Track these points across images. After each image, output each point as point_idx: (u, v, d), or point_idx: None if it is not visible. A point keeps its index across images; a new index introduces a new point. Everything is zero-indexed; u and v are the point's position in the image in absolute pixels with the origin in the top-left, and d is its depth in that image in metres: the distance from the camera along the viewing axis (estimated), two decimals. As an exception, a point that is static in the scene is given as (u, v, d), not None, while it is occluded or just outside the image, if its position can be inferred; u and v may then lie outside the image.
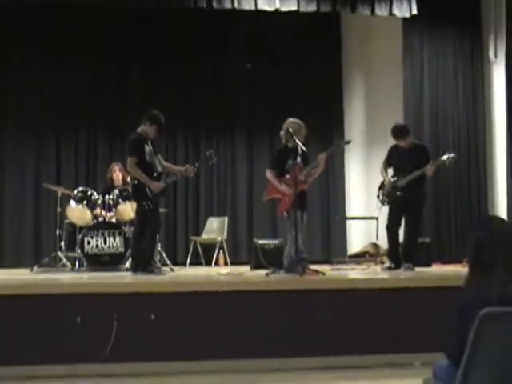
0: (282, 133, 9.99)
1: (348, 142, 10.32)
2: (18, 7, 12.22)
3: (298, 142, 9.75)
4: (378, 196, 10.74)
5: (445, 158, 10.37)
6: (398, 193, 10.28)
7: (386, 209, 12.44)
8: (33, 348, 8.02)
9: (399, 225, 10.62)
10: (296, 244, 9.59)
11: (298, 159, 9.84)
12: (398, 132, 10.56)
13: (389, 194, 10.47)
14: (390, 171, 10.65)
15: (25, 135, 13.66)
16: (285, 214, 9.92)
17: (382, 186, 10.70)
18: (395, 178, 10.45)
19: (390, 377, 7.79)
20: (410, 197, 10.36)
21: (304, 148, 9.87)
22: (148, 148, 9.92)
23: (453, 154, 10.52)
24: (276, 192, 9.99)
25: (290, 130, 9.82)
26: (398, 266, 10.39)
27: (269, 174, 10.04)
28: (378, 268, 11.62)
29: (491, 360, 4.13)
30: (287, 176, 9.76)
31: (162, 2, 12.19)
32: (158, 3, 12.21)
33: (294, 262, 9.60)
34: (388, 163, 10.71)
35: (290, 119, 10.05)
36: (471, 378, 4.18)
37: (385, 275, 10.43)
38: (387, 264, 10.82)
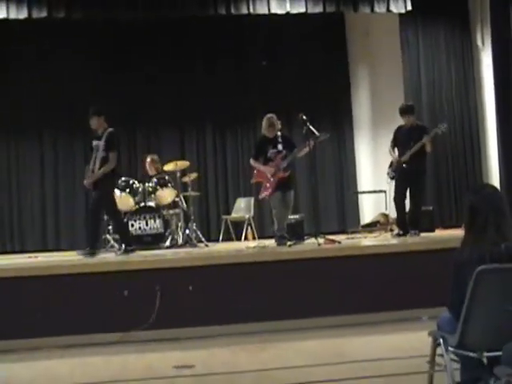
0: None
1: (326, 136, 10.25)
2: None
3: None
4: (388, 173, 10.73)
5: (436, 129, 10.38)
6: (404, 165, 10.24)
7: (393, 183, 12.49)
8: (89, 319, 8.07)
9: (405, 196, 10.64)
10: (276, 222, 10.12)
11: (280, 147, 10.06)
12: (404, 109, 10.67)
13: (396, 169, 10.41)
14: (397, 152, 10.60)
15: (73, 136, 13.67)
16: (266, 196, 10.27)
17: (391, 165, 10.70)
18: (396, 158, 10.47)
19: (401, 330, 7.79)
20: (413, 170, 10.38)
21: (280, 136, 10.17)
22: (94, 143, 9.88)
23: (445, 124, 10.54)
24: (260, 176, 10.29)
25: (263, 122, 10.20)
26: (405, 233, 10.41)
27: (252, 162, 10.40)
28: (388, 235, 11.61)
29: (487, 311, 4.10)
30: (270, 164, 10.06)
31: (185, 10, 12.09)
32: (182, 11, 12.11)
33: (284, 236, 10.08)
34: (394, 143, 10.70)
35: (268, 115, 10.26)
36: (470, 326, 4.16)
37: (394, 241, 10.40)
38: (396, 231, 10.80)
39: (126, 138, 13.81)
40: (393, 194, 10.83)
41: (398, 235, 10.64)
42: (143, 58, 13.60)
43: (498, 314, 3.94)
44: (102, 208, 10.11)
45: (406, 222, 10.60)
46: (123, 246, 9.99)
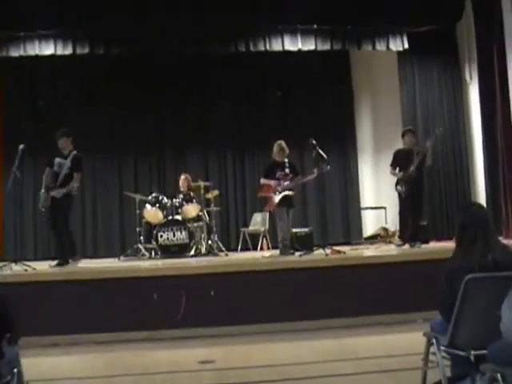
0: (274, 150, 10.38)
1: (328, 165, 10.22)
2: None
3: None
4: (398, 190, 10.59)
5: (436, 131, 10.60)
6: (412, 171, 10.27)
7: (393, 199, 12.47)
8: (121, 318, 8.10)
9: (409, 211, 10.59)
10: (283, 232, 10.13)
11: (287, 170, 10.19)
12: (404, 131, 10.79)
13: (404, 185, 10.37)
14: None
15: (110, 157, 13.76)
16: (272, 209, 10.41)
17: (397, 183, 10.58)
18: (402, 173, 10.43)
19: (399, 331, 7.78)
20: (416, 189, 10.39)
21: (287, 161, 10.27)
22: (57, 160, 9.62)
23: (440, 128, 10.66)
24: (266, 191, 10.31)
25: (274, 150, 10.31)
26: (413, 244, 10.39)
27: (262, 180, 10.48)
28: (388, 246, 11.60)
29: (475, 314, 4.11)
30: (280, 182, 10.14)
31: (210, 48, 12.17)
32: (208, 49, 12.20)
33: (287, 245, 10.10)
34: (394, 164, 10.66)
35: (278, 141, 10.37)
36: (459, 328, 4.17)
37: (393, 252, 10.37)
38: (399, 242, 10.75)
39: (156, 160, 13.91)
40: (398, 209, 10.84)
41: (399, 246, 10.67)
42: (174, 89, 13.64)
43: (485, 318, 3.94)
44: (61, 219, 9.71)
45: (409, 235, 10.60)
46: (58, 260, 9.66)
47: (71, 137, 9.74)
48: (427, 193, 11.05)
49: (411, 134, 10.72)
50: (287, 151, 10.27)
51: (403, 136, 10.73)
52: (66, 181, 9.49)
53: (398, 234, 11.77)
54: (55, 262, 9.54)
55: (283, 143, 10.25)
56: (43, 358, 7.12)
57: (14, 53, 11.63)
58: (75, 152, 9.64)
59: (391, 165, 10.73)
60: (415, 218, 10.56)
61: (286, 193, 10.05)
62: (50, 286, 8.22)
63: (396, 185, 10.60)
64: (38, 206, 9.67)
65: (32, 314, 7.13)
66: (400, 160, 10.57)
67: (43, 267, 9.26)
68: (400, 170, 10.52)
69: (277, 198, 10.05)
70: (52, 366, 6.85)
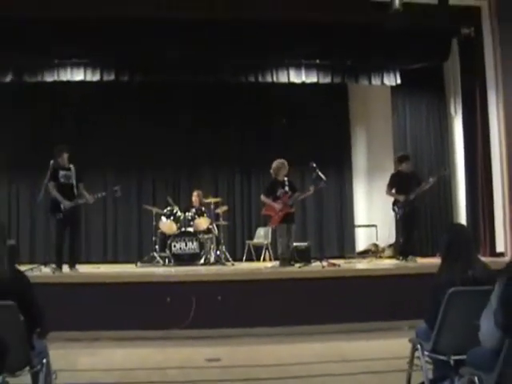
0: (272, 170, 10.31)
1: (324, 183, 10.23)
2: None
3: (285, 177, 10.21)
4: (395, 211, 10.53)
5: (442, 171, 10.72)
6: (412, 198, 10.28)
7: (383, 218, 12.53)
8: (137, 318, 8.13)
9: (404, 229, 10.75)
10: (283, 246, 10.06)
11: (286, 188, 10.12)
12: (404, 157, 10.86)
13: (403, 207, 10.34)
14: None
15: (132, 174, 13.82)
16: (273, 226, 10.43)
17: (395, 203, 10.49)
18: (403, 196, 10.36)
19: (388, 337, 7.79)
20: (416, 208, 10.49)
21: (286, 180, 10.21)
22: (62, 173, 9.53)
23: (447, 168, 10.81)
24: (270, 210, 10.22)
25: (273, 167, 10.24)
26: (406, 259, 10.41)
27: (263, 197, 10.37)
28: (383, 260, 11.67)
29: (456, 324, 4.15)
30: (278, 201, 10.05)
31: (222, 77, 12.23)
32: (220, 78, 12.29)
33: (286, 258, 10.01)
34: (391, 186, 10.59)
35: (277, 160, 10.32)
36: (442, 336, 4.21)
37: (382, 266, 10.41)
38: (400, 258, 10.70)
39: (172, 178, 13.94)
40: (399, 227, 11.06)
41: (401, 260, 10.60)
42: (189, 115, 13.67)
43: (465, 327, 3.97)
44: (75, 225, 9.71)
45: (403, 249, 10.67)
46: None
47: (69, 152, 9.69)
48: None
49: (408, 160, 10.73)
50: (286, 170, 10.27)
51: (401, 161, 10.72)
52: (77, 191, 9.54)
53: (396, 249, 11.93)
54: (53, 265, 9.36)
55: (285, 163, 10.23)
56: (68, 350, 7.14)
57: (49, 78, 11.74)
58: (72, 165, 9.62)
59: (388, 185, 10.66)
60: (413, 234, 10.62)
61: (287, 211, 10.06)
62: (74, 287, 8.27)
63: (394, 205, 10.52)
64: (57, 215, 9.45)
65: (59, 312, 7.16)
66: (399, 183, 10.51)
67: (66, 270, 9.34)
68: (398, 193, 10.46)
69: (278, 217, 10.05)
70: (75, 359, 6.89)
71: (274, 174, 10.27)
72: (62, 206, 9.32)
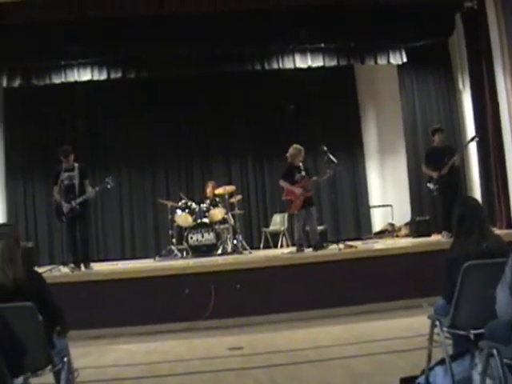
0: (288, 155, 10.22)
1: (338, 166, 10.17)
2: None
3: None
4: (430, 187, 10.30)
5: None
6: (444, 173, 10.04)
7: (398, 197, 12.47)
8: (159, 312, 8.17)
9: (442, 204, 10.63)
10: (299, 232, 10.13)
11: (303, 173, 10.10)
12: (436, 129, 10.71)
13: (437, 182, 10.14)
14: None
15: (145, 168, 13.84)
16: (294, 211, 10.18)
17: (430, 180, 10.30)
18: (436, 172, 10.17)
19: (406, 315, 7.81)
20: (452, 182, 10.23)
21: (302, 165, 10.17)
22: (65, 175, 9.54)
23: (474, 136, 10.61)
24: (290, 195, 10.13)
25: (290, 153, 10.16)
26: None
27: (282, 182, 10.30)
28: (395, 240, 11.59)
29: (472, 298, 4.11)
30: (297, 185, 10.00)
31: (229, 67, 12.25)
32: (227, 68, 12.30)
33: (302, 244, 10.11)
34: (428, 162, 10.45)
35: (294, 145, 10.26)
36: (460, 311, 4.17)
37: (399, 245, 10.29)
38: (449, 234, 9.68)
39: (185, 169, 13.95)
40: (440, 203, 10.74)
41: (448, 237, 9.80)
42: (199, 106, 13.70)
43: (481, 300, 3.94)
44: (83, 225, 9.67)
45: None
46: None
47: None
48: (428, 191, 10.90)
49: (440, 132, 10.59)
50: (303, 154, 10.24)
51: (433, 135, 10.62)
52: (80, 190, 9.51)
53: (412, 228, 11.97)
54: (72, 265, 9.39)
55: (301, 148, 10.19)
56: (91, 348, 7.20)
57: (56, 80, 11.77)
58: (77, 164, 9.64)
59: (424, 163, 10.58)
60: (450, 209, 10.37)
61: (307, 195, 10.03)
62: (94, 285, 8.31)
63: (428, 182, 10.36)
64: (62, 218, 9.54)
65: (80, 310, 7.20)
66: (433, 158, 10.37)
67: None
68: (432, 169, 10.26)
69: (300, 201, 10.00)
70: (99, 356, 6.93)
71: (291, 159, 10.21)
72: (63, 209, 9.42)
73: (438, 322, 4.53)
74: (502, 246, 4.32)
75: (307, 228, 10.24)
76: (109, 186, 9.85)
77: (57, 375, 4.36)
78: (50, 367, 4.22)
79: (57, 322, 4.42)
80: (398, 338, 6.59)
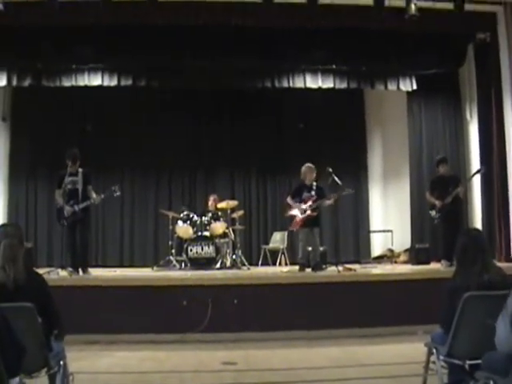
0: (302, 174, 10.30)
1: (344, 188, 10.19)
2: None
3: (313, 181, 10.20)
4: (433, 215, 10.37)
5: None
6: (448, 202, 10.13)
7: (399, 223, 12.47)
8: (154, 322, 8.15)
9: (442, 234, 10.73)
10: (303, 251, 10.14)
11: (313, 193, 10.11)
12: (442, 160, 10.73)
13: (440, 211, 10.22)
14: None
15: (148, 179, 13.89)
16: (295, 229, 10.31)
17: (432, 207, 10.38)
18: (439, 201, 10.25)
19: (402, 341, 7.77)
20: (455, 210, 10.28)
21: (315, 185, 10.20)
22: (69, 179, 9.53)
23: (480, 168, 10.61)
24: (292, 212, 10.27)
25: (302, 171, 10.24)
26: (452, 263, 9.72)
27: (289, 199, 10.37)
28: (393, 266, 11.57)
29: (471, 328, 4.13)
30: (302, 204, 10.08)
31: (241, 84, 12.33)
32: (239, 85, 12.40)
33: (305, 263, 10.10)
34: (432, 190, 10.50)
35: (306, 164, 10.32)
36: (458, 340, 4.18)
37: (397, 271, 10.31)
38: (448, 263, 9.96)
39: (188, 182, 13.98)
40: (441, 231, 10.75)
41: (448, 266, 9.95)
42: (205, 120, 13.82)
43: (480, 331, 3.96)
44: (84, 230, 9.72)
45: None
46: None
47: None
48: (429, 218, 10.93)
49: (445, 163, 10.63)
50: (314, 175, 10.25)
51: (437, 165, 10.67)
52: (83, 195, 9.54)
53: (412, 255, 11.92)
54: (70, 268, 9.38)
55: (313, 167, 10.23)
56: (85, 353, 7.19)
57: (66, 83, 11.81)
58: (81, 169, 9.66)
59: (430, 191, 10.57)
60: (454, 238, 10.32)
61: (309, 213, 10.06)
62: (91, 290, 8.31)
63: (430, 209, 10.43)
64: (62, 222, 9.51)
65: (76, 315, 7.19)
66: (438, 187, 10.43)
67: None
68: (437, 197, 10.32)
69: (300, 220, 10.05)
70: (93, 361, 6.92)
71: (302, 177, 10.28)
72: (65, 213, 9.42)
73: (434, 350, 4.56)
74: (503, 279, 4.35)
75: (309, 248, 10.25)
76: (115, 195, 9.88)
77: (51, 378, 4.38)
78: (45, 370, 4.24)
79: (55, 324, 4.44)
80: (394, 363, 6.58)
